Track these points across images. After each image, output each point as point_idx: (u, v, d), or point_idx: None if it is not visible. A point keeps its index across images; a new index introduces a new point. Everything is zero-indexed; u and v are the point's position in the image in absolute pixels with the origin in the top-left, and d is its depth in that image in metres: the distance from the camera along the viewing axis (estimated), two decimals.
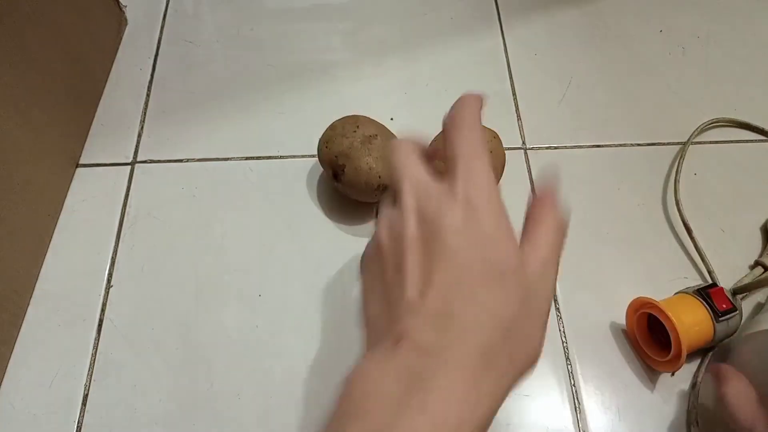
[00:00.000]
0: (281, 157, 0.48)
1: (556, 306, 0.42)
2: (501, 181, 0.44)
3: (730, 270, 0.42)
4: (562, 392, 0.38)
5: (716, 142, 0.50)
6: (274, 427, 0.37)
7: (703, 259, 0.43)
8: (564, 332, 0.40)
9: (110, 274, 0.42)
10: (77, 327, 0.40)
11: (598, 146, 0.50)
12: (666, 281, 0.42)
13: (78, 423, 0.37)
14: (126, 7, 0.56)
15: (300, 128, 0.50)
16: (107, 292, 0.41)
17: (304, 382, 0.38)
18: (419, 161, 0.23)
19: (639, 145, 0.50)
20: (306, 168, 0.48)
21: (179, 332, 0.40)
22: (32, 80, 0.41)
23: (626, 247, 0.44)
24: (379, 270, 0.22)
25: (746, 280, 0.41)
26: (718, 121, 0.51)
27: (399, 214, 0.21)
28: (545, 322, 0.21)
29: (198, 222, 0.45)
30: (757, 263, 0.43)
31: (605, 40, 0.57)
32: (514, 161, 0.48)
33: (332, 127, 0.43)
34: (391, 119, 0.50)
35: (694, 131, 0.50)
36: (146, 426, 0.37)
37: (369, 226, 0.45)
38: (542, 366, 0.39)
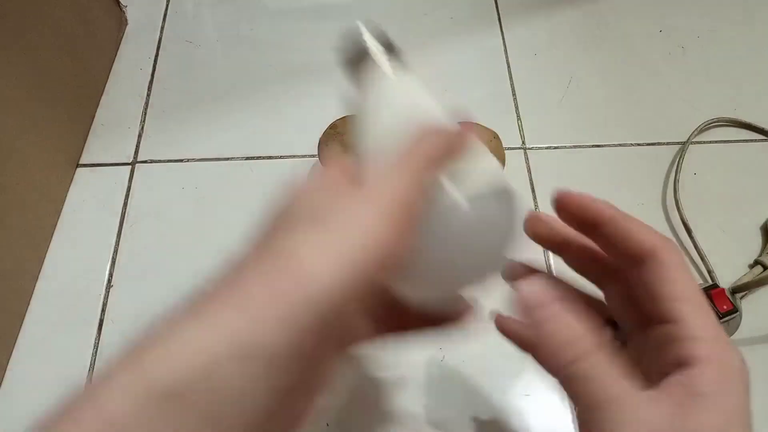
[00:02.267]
0: (281, 157, 0.48)
1: None
2: None
3: (730, 269, 0.42)
4: (562, 392, 0.38)
5: (716, 142, 0.50)
6: None
7: (702, 259, 0.43)
8: None
9: (110, 274, 0.42)
10: (77, 327, 0.40)
11: (598, 146, 0.50)
12: None
13: None
14: (126, 7, 0.56)
15: (300, 128, 0.50)
16: (107, 292, 0.41)
17: None
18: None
19: (639, 145, 0.50)
20: (306, 168, 0.48)
21: None
22: (32, 80, 0.41)
23: None
24: None
25: (745, 279, 0.41)
26: (718, 121, 0.51)
27: None
28: None
29: (198, 222, 0.45)
30: (756, 262, 0.43)
31: (605, 40, 0.57)
32: (514, 161, 0.48)
33: (333, 126, 0.43)
34: None
35: (694, 131, 0.50)
36: None
37: None
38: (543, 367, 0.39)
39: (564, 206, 0.22)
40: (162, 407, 0.13)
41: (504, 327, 0.25)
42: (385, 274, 0.17)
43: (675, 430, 0.15)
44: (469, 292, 0.24)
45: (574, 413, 0.37)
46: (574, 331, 0.18)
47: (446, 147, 0.20)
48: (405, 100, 0.24)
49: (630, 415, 0.16)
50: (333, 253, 0.16)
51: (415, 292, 0.23)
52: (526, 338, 0.24)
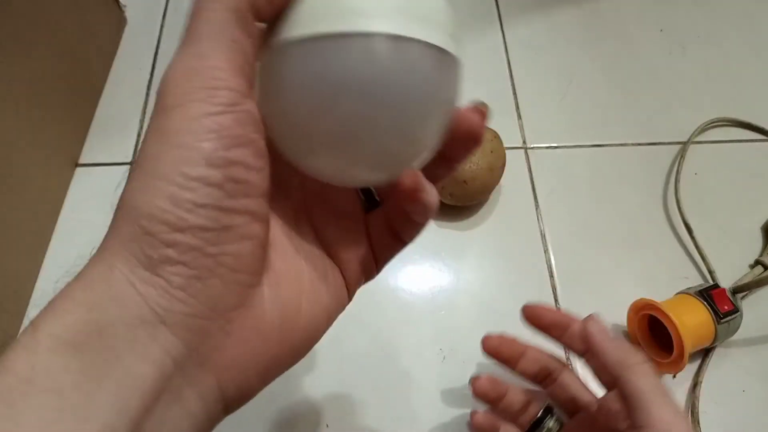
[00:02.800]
0: None
1: (556, 308, 0.42)
2: (501, 180, 0.44)
3: (731, 269, 0.42)
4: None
5: (716, 142, 0.50)
6: (276, 426, 0.37)
7: (703, 259, 0.43)
8: None
9: None
10: None
11: (598, 146, 0.50)
12: (666, 281, 0.42)
13: None
14: (126, 6, 0.56)
15: None
16: None
17: (305, 380, 0.38)
18: None
19: (639, 144, 0.50)
20: None
21: None
22: (32, 80, 0.41)
23: (627, 247, 0.44)
24: None
25: (746, 279, 0.41)
26: (718, 120, 0.51)
27: None
28: None
29: None
30: (757, 262, 0.43)
31: (606, 39, 0.57)
32: (514, 161, 0.48)
33: None
34: None
35: (695, 131, 0.49)
36: None
37: None
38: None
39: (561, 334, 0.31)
40: (67, 359, 0.14)
41: (478, 389, 0.32)
42: (248, 169, 0.16)
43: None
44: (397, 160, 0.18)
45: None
46: (633, 348, 0.27)
47: None
48: None
49: (669, 400, 0.24)
50: (153, 190, 0.15)
51: (329, 171, 0.18)
52: (494, 396, 0.32)
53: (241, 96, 0.15)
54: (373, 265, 0.22)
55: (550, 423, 0.31)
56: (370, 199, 0.22)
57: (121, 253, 0.15)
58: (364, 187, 0.22)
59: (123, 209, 0.16)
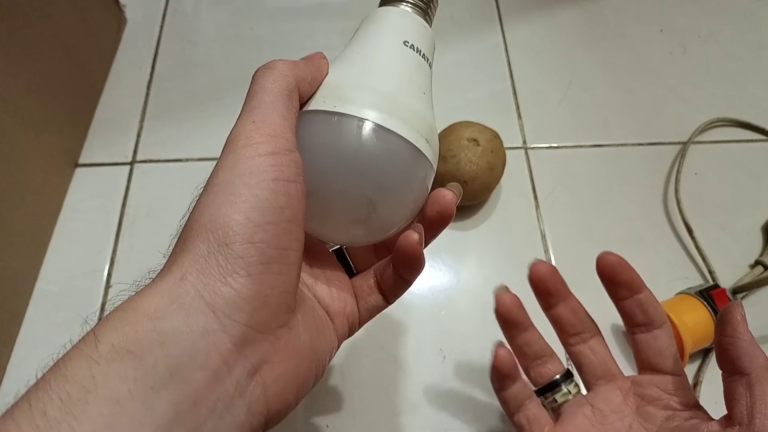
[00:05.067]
0: None
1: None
2: (501, 180, 0.44)
3: (731, 269, 0.42)
4: None
5: (717, 142, 0.50)
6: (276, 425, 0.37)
7: (703, 259, 0.43)
8: None
9: (110, 274, 0.42)
10: (77, 327, 0.40)
11: (599, 146, 0.50)
12: (666, 281, 0.42)
13: None
14: (126, 6, 0.56)
15: None
16: (107, 292, 0.41)
17: None
18: None
19: (639, 144, 0.50)
20: None
21: None
22: (32, 80, 0.41)
23: (626, 247, 0.44)
24: None
25: (746, 280, 0.41)
26: (718, 120, 0.51)
27: None
28: None
29: None
30: (757, 262, 0.43)
31: (606, 39, 0.57)
32: (514, 160, 0.48)
33: None
34: None
35: (695, 131, 0.49)
36: None
37: None
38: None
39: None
40: (125, 369, 0.15)
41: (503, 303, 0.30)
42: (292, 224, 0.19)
43: None
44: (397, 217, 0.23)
45: None
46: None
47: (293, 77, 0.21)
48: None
49: None
50: (230, 206, 0.18)
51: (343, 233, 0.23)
52: (517, 319, 0.30)
53: (293, 145, 0.19)
54: (356, 321, 0.25)
55: (570, 387, 0.29)
56: (347, 267, 0.26)
57: (195, 265, 0.17)
58: (346, 244, 0.26)
59: (195, 227, 0.18)
